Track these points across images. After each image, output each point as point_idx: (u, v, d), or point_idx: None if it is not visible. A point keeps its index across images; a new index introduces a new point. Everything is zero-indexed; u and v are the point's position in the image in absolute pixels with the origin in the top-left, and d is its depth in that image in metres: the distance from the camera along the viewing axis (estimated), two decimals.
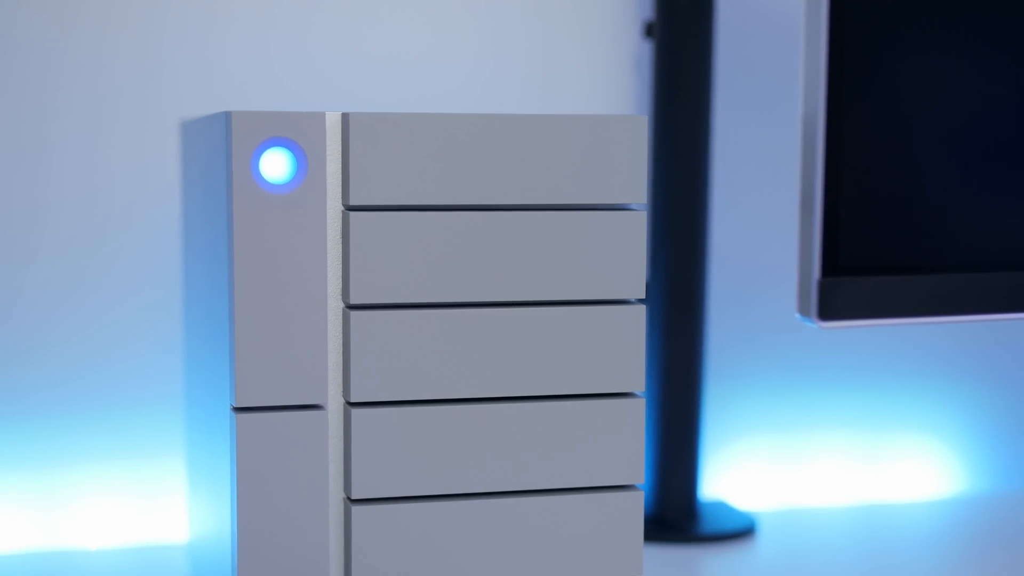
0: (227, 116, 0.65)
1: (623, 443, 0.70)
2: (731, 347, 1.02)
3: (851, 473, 1.05)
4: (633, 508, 0.70)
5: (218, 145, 0.68)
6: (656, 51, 0.94)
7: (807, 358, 1.04)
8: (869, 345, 1.05)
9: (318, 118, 0.65)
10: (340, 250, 0.67)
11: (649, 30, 0.95)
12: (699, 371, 0.95)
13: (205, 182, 0.73)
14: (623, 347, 0.70)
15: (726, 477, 1.03)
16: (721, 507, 0.99)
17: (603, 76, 0.97)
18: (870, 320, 0.78)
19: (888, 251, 0.79)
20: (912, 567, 0.88)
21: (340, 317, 0.67)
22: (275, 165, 0.65)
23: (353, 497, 0.67)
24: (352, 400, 0.66)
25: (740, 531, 0.94)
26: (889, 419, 1.06)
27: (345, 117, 0.66)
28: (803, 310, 0.77)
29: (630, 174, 0.69)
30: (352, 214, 0.66)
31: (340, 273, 0.67)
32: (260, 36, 0.91)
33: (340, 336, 0.67)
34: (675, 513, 0.96)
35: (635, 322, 0.70)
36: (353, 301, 0.66)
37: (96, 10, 0.89)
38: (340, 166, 0.66)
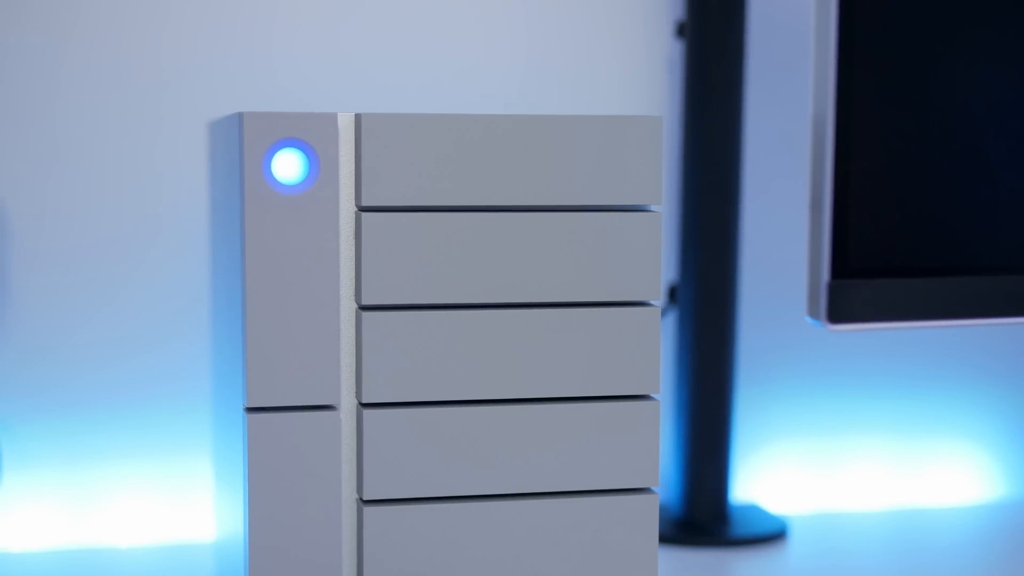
0: (239, 117, 0.65)
1: (639, 446, 0.69)
2: (763, 350, 1.01)
3: (885, 477, 1.04)
4: (648, 511, 0.70)
5: (233, 146, 0.68)
6: (687, 51, 0.93)
7: (840, 361, 1.03)
8: (904, 348, 1.04)
9: (330, 119, 0.65)
10: (352, 251, 0.66)
11: (681, 30, 0.94)
12: (730, 373, 0.94)
13: (225, 183, 0.73)
14: (639, 349, 0.69)
15: (759, 481, 1.02)
16: (752, 510, 0.98)
17: (634, 76, 0.97)
18: (879, 323, 0.77)
19: (898, 253, 0.78)
20: (947, 573, 0.87)
21: (352, 318, 0.67)
22: (287, 166, 0.65)
23: (365, 498, 0.67)
24: (364, 401, 0.66)
25: (771, 535, 0.93)
26: (924, 423, 1.05)
27: (357, 118, 0.66)
28: (813, 312, 0.76)
29: (646, 175, 0.68)
30: (364, 215, 0.66)
31: (352, 274, 0.67)
32: (285, 40, 0.91)
33: (352, 337, 0.67)
34: (705, 516, 0.95)
35: (651, 324, 0.69)
36: (365, 302, 0.66)
37: (129, 16, 0.89)
38: (353, 167, 0.66)
